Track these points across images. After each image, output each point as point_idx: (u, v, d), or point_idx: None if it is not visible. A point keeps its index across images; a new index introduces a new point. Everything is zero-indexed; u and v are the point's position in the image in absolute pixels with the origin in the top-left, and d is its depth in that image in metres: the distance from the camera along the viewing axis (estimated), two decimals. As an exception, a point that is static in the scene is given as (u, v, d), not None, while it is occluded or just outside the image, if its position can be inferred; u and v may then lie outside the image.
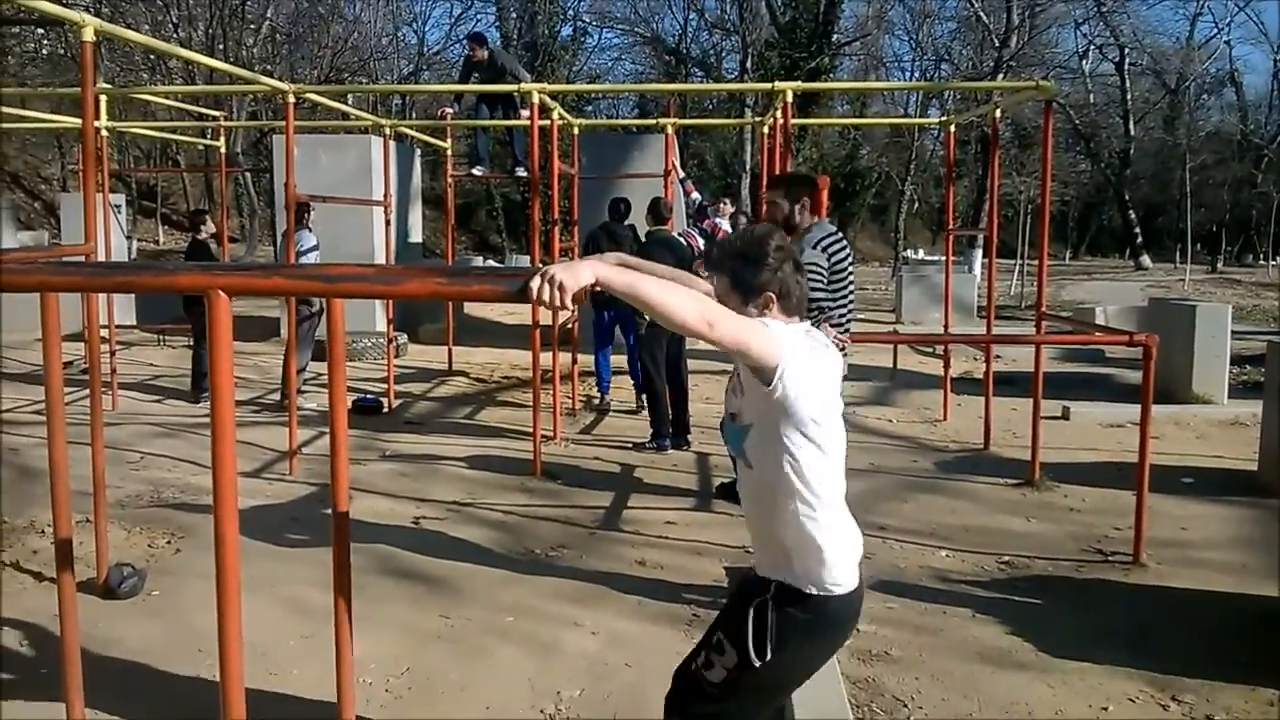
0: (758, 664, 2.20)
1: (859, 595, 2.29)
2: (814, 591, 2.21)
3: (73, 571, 3.18)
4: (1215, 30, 42.89)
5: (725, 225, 9.59)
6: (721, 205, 10.09)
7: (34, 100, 20.56)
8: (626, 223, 8.66)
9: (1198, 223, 37.33)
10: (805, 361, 2.18)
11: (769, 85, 7.10)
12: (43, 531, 5.15)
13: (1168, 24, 52.10)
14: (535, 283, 1.95)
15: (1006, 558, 5.03)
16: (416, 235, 14.85)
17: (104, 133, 8.88)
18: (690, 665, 2.37)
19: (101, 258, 6.02)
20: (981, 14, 30.82)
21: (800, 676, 2.38)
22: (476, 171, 11.72)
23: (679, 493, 6.24)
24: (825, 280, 4.42)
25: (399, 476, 6.53)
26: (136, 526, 5.32)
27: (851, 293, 4.72)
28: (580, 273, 1.99)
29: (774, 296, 2.29)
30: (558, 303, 1.96)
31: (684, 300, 2.03)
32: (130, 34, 6.12)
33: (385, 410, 8.64)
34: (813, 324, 4.23)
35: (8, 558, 4.80)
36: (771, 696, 2.37)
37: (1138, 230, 37.17)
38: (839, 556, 2.24)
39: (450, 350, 11.15)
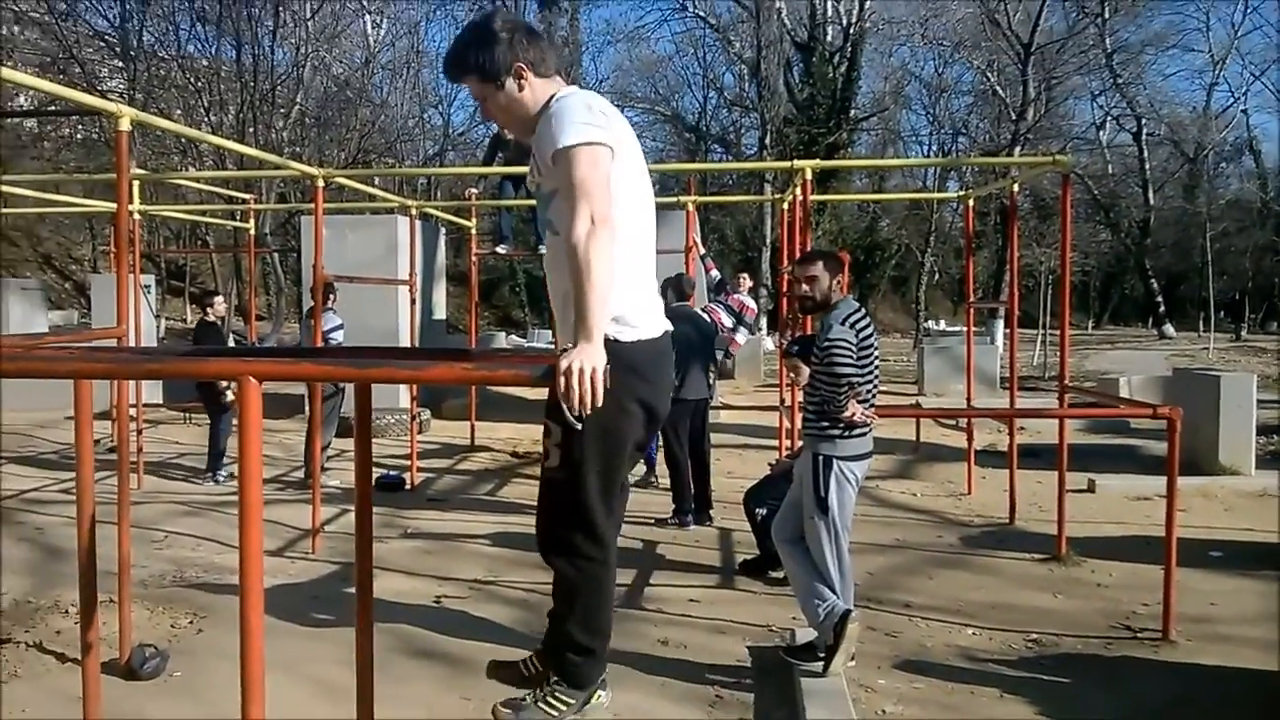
0: (579, 425, 2.26)
1: (660, 342, 2.48)
2: (610, 337, 2.29)
3: (97, 654, 3.20)
4: (1232, 99, 43.09)
5: (749, 301, 9.69)
6: (740, 280, 10.18)
7: (67, 184, 21.06)
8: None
9: (1220, 291, 37.24)
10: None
11: (789, 164, 7.21)
12: (66, 611, 5.18)
13: (1184, 94, 52.46)
14: (563, 385, 2.05)
15: (1034, 635, 4.97)
16: (441, 312, 15.02)
17: (136, 216, 9.08)
18: (541, 480, 2.56)
19: (131, 340, 6.13)
20: (998, 88, 31.21)
21: (625, 425, 2.48)
22: (500, 249, 11.88)
23: (702, 569, 6.21)
24: (854, 356, 4.44)
25: (421, 554, 6.53)
26: (159, 606, 5.34)
27: (876, 368, 4.74)
28: (596, 356, 2.08)
29: (523, 66, 2.39)
30: (598, 391, 2.06)
31: (586, 255, 2.18)
32: (165, 123, 6.31)
33: (408, 487, 8.67)
34: (840, 399, 4.26)
35: (31, 638, 4.83)
36: (611, 456, 2.48)
37: (1160, 299, 37.08)
38: (630, 309, 2.38)
39: (473, 425, 11.20)
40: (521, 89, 2.40)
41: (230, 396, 8.69)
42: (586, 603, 2.55)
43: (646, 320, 2.44)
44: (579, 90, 2.41)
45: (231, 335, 18.72)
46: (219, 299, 9.73)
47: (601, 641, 2.62)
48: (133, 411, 8.43)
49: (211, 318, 9.35)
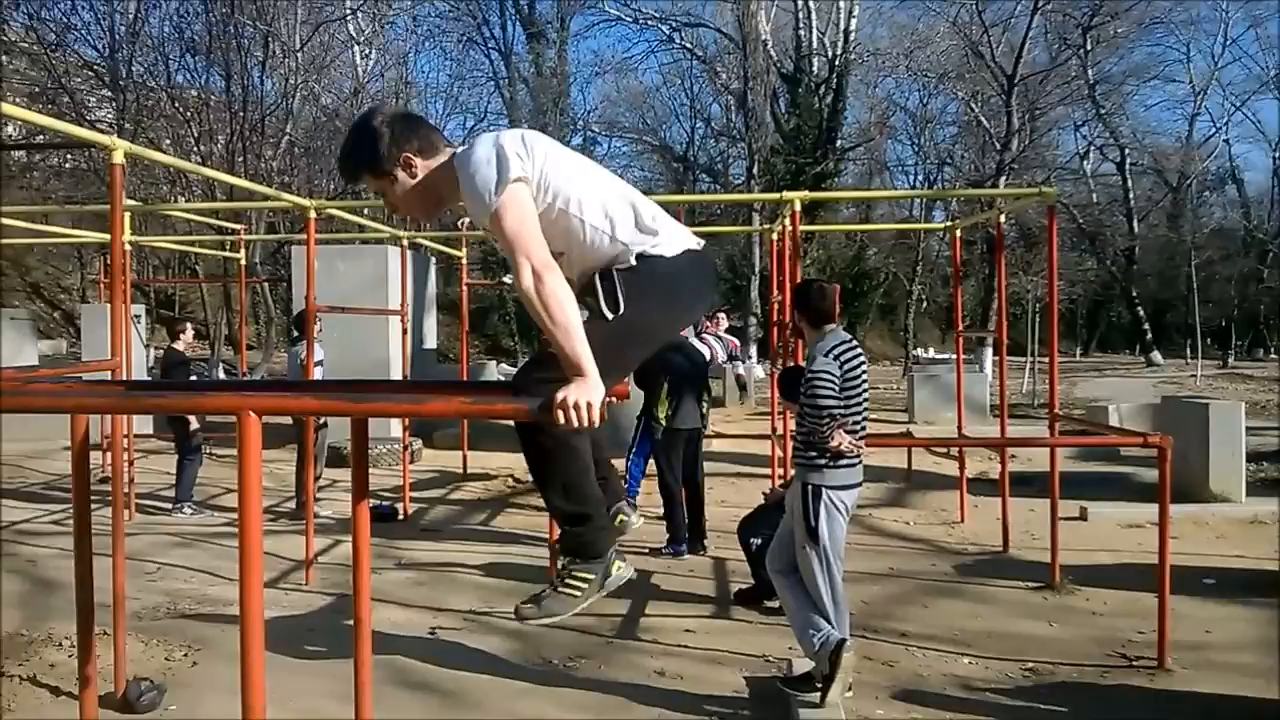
0: (610, 317, 2.41)
1: (687, 257, 2.55)
2: (635, 260, 2.48)
3: (95, 688, 3.18)
4: (1214, 129, 43.54)
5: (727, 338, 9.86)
6: (718, 318, 10.27)
7: (56, 214, 21.02)
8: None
9: (1206, 318, 37.44)
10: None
11: (777, 196, 7.27)
12: (60, 644, 5.14)
13: (1166, 124, 52.92)
14: (562, 417, 2.09)
15: (1030, 664, 4.97)
16: (431, 341, 15.02)
17: (127, 247, 9.08)
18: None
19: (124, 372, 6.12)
20: (982, 119, 31.48)
21: (646, 325, 2.53)
22: (508, 279, 11.88)
23: (697, 599, 6.20)
24: (837, 388, 4.48)
25: (415, 585, 6.51)
26: (154, 639, 5.30)
27: (865, 398, 4.77)
28: (594, 389, 2.13)
29: (408, 155, 2.44)
30: (595, 420, 2.11)
31: (542, 305, 2.26)
32: (157, 155, 6.34)
33: (401, 517, 8.64)
34: (825, 430, 4.31)
35: (25, 671, 4.79)
36: (623, 344, 2.49)
37: (1147, 326, 37.28)
38: (634, 241, 2.50)
39: (465, 455, 11.18)
40: (414, 176, 2.47)
41: (197, 431, 8.91)
42: (565, 469, 2.49)
43: (655, 242, 2.51)
44: (474, 142, 2.45)
45: (221, 365, 18.71)
46: (189, 327, 9.57)
47: (594, 506, 2.57)
48: (124, 441, 8.41)
49: (180, 346, 9.13)
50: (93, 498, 3.18)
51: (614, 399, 2.34)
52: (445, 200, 2.57)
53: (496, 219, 2.31)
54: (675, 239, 2.56)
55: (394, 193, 2.50)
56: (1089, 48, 32.23)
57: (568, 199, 2.44)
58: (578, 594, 2.60)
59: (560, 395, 2.16)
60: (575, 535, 2.59)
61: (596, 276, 2.48)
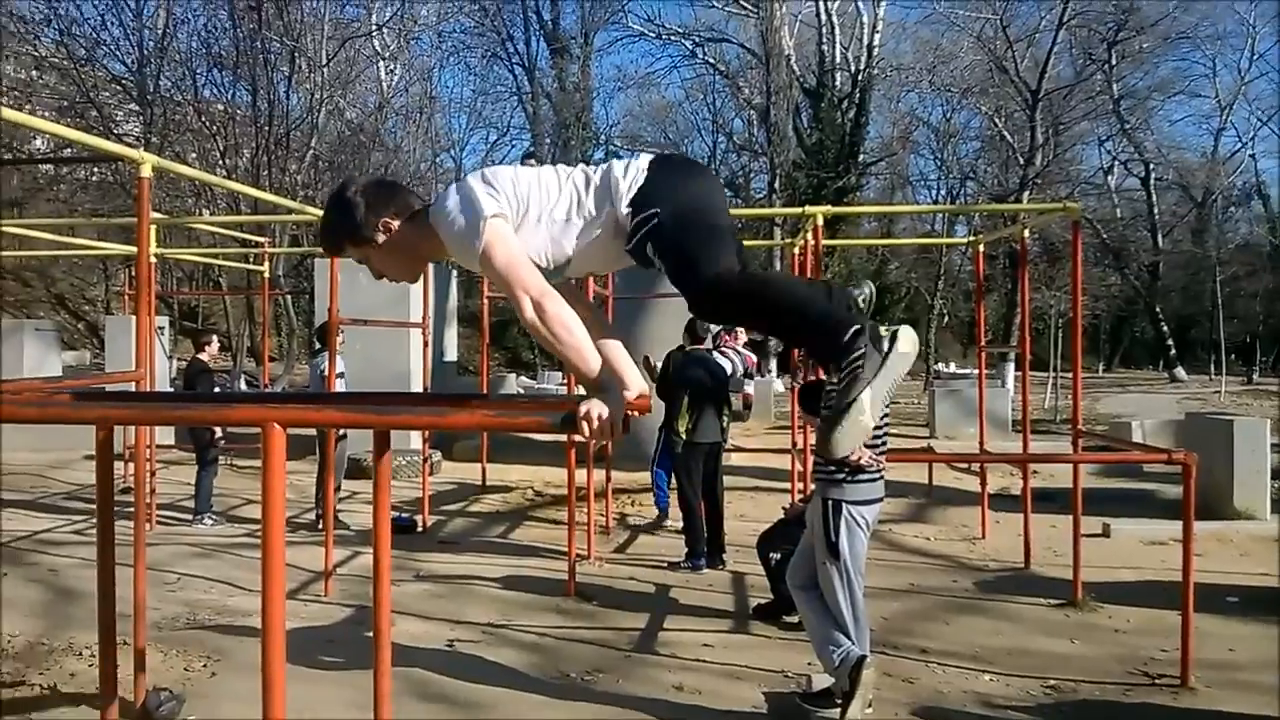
0: (660, 220, 2.39)
1: (657, 163, 2.51)
2: (628, 208, 2.45)
3: (115, 698, 3.20)
4: (1239, 144, 43.26)
5: (746, 353, 9.85)
6: (736, 333, 10.27)
7: (82, 226, 21.25)
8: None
9: (1231, 334, 37.14)
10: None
11: (800, 210, 7.27)
12: (80, 654, 5.18)
13: (1191, 139, 52.70)
14: (585, 431, 2.14)
15: (1052, 682, 4.93)
16: (452, 354, 15.07)
17: (152, 259, 9.17)
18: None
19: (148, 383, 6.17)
20: (1006, 133, 31.41)
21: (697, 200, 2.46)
22: None
23: (715, 614, 6.18)
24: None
25: (433, 597, 6.51)
26: (173, 649, 5.33)
27: (886, 413, 4.74)
28: (614, 402, 2.15)
29: (386, 219, 2.46)
30: (618, 435, 2.13)
31: (547, 331, 2.27)
32: (184, 169, 6.40)
33: (420, 529, 8.66)
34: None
35: (46, 680, 4.82)
36: (693, 230, 2.42)
37: (1170, 342, 37.01)
38: (625, 192, 2.46)
39: (484, 467, 11.20)
40: (395, 238, 2.49)
41: (219, 441, 9.13)
42: (775, 299, 2.41)
43: (625, 186, 2.47)
44: (442, 195, 2.47)
45: (244, 376, 18.82)
46: (215, 339, 9.77)
47: (820, 297, 2.43)
48: (146, 452, 8.48)
49: (205, 357, 9.34)
50: (114, 508, 3.21)
51: (635, 411, 2.34)
52: (430, 257, 2.59)
53: (486, 260, 2.32)
54: (636, 167, 2.52)
55: (379, 259, 2.53)
56: (1114, 63, 32.14)
57: (541, 208, 2.45)
58: (865, 375, 2.34)
59: (583, 409, 2.17)
60: (823, 327, 2.39)
61: (630, 237, 2.43)
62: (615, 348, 2.60)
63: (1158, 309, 37.46)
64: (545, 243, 2.45)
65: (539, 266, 2.40)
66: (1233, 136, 42.92)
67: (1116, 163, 38.98)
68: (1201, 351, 40.80)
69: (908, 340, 2.38)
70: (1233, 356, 38.44)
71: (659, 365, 8.03)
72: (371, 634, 2.85)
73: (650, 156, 2.56)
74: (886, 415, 4.68)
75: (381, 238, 2.47)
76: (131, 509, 4.61)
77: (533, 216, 2.44)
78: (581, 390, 2.31)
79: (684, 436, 7.48)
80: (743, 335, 10.40)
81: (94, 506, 3.30)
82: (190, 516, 8.99)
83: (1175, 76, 38.21)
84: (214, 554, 7.75)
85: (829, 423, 2.38)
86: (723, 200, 2.61)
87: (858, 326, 2.33)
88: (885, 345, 2.35)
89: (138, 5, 22.42)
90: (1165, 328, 37.32)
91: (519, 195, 2.43)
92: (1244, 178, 43.35)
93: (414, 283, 2.65)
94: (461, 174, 34.73)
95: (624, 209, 2.44)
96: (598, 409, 2.16)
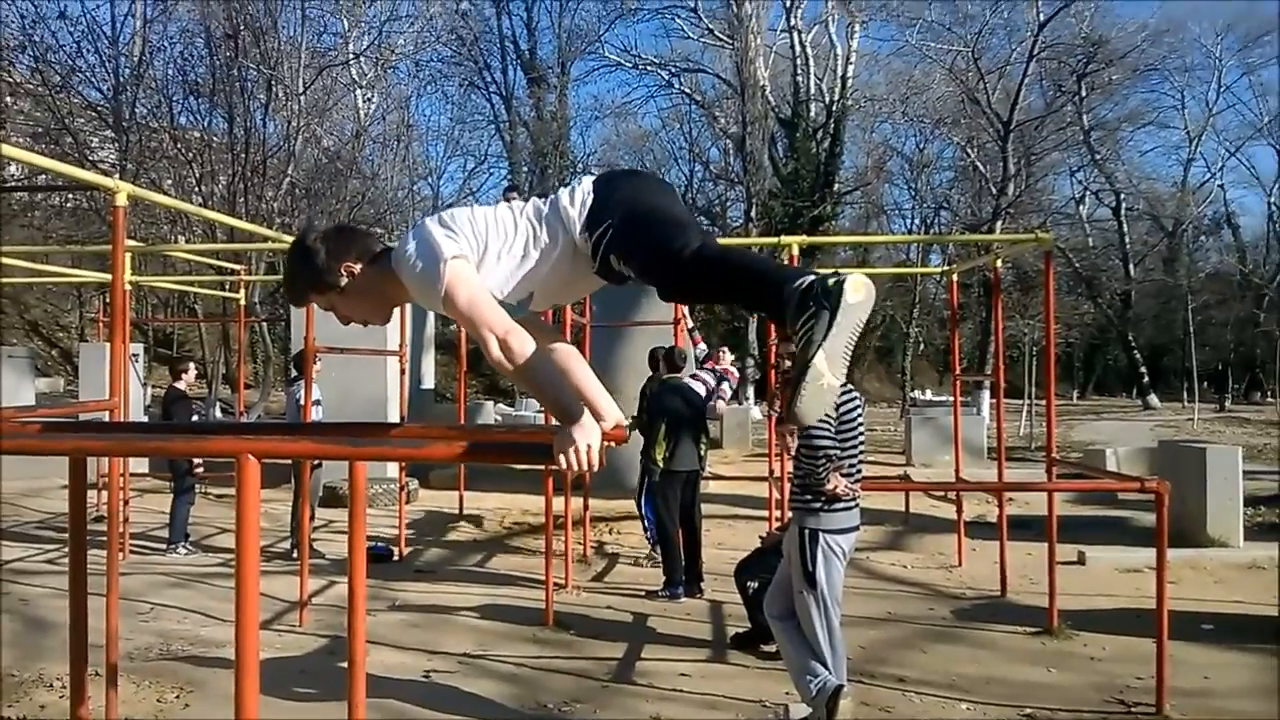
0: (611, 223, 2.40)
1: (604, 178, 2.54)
2: (582, 228, 2.45)
3: (86, 731, 3.15)
4: (1209, 174, 43.93)
5: (731, 368, 9.84)
6: (720, 354, 10.29)
7: (56, 253, 21.09)
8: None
9: (1203, 362, 37.51)
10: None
11: (776, 240, 7.33)
12: (51, 685, 5.11)
13: (1161, 169, 53.40)
14: (562, 463, 2.16)
15: (1028, 710, 4.94)
16: (429, 381, 15.03)
17: (127, 286, 9.12)
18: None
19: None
20: (978, 164, 31.77)
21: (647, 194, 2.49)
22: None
23: (693, 643, 6.16)
24: (834, 430, 4.49)
25: (409, 627, 6.47)
26: (146, 680, 5.26)
27: (861, 441, 4.78)
28: (589, 432, 2.17)
29: (348, 263, 2.45)
30: (595, 462, 2.14)
31: (518, 368, 2.28)
32: (160, 198, 6.39)
33: (396, 558, 8.60)
34: (821, 473, 4.32)
35: (15, 713, 4.75)
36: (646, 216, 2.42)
37: (1143, 370, 37.35)
38: (575, 216, 2.47)
39: (461, 495, 11.15)
40: (358, 283, 2.49)
41: (197, 469, 9.12)
42: (736, 265, 2.35)
43: (574, 212, 2.48)
44: (403, 239, 2.47)
45: (219, 404, 18.69)
46: (191, 366, 9.76)
47: (771, 266, 2.43)
48: (120, 481, 8.39)
49: (182, 385, 9.29)
50: (87, 538, 3.17)
51: (611, 441, 2.35)
52: (394, 300, 2.58)
53: (449, 301, 2.32)
54: (582, 191, 2.51)
55: (344, 303, 2.52)
56: (1084, 94, 32.59)
57: (500, 246, 2.45)
58: (818, 336, 2.20)
59: (558, 442, 2.19)
60: (785, 285, 2.28)
61: (594, 256, 2.43)
62: (589, 378, 2.61)
63: (1130, 337, 37.80)
64: (506, 278, 2.45)
65: (503, 303, 2.41)
66: (1202, 167, 43.64)
67: (1088, 193, 39.50)
68: (1174, 379, 41.19)
69: (855, 288, 2.19)
70: (1205, 384, 38.81)
71: (663, 428, 7.62)
72: (346, 664, 2.84)
73: (592, 177, 2.58)
74: (861, 444, 4.71)
75: (344, 282, 2.46)
76: (105, 538, 4.57)
77: (492, 254, 2.44)
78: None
79: (660, 465, 7.48)
80: (726, 355, 10.41)
81: (66, 535, 3.27)
82: (164, 545, 8.90)
83: (1144, 108, 38.88)
84: (188, 584, 7.67)
85: (790, 392, 2.27)
86: (671, 195, 2.59)
87: (806, 283, 2.21)
88: (833, 300, 2.18)
89: (114, 32, 22.36)
90: (1138, 355, 37.66)
91: (477, 234, 2.42)
92: (1214, 207, 44.04)
93: (384, 324, 2.64)
94: (439, 202, 34.85)
95: (579, 235, 2.45)
96: (571, 441, 2.18)
